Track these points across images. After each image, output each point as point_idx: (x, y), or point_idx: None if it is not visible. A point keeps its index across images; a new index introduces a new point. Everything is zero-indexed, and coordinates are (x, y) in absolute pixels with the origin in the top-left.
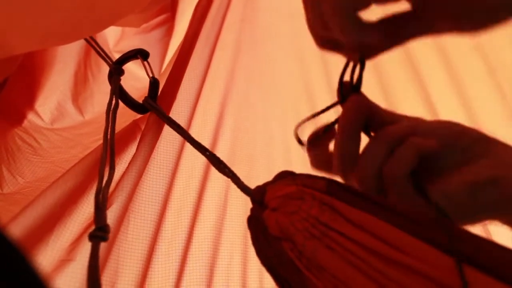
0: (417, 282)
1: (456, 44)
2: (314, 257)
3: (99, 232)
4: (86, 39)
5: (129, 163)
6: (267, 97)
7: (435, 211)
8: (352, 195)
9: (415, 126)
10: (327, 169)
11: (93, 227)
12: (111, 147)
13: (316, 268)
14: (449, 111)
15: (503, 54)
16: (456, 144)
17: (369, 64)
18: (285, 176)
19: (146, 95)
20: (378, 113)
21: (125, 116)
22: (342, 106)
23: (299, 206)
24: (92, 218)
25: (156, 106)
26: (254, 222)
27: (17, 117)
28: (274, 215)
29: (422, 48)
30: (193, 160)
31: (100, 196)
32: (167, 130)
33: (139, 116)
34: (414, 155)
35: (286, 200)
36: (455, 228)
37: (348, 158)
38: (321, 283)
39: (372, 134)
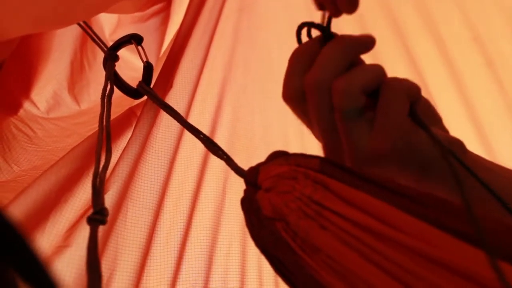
0: (411, 259)
1: (454, 35)
2: (308, 237)
3: (97, 216)
4: (80, 25)
5: (124, 148)
6: (265, 87)
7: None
8: (345, 173)
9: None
10: None
11: (90, 212)
12: (107, 131)
13: (311, 248)
14: (447, 101)
15: (502, 46)
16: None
17: (367, 55)
18: (278, 156)
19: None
20: None
21: (121, 106)
22: None
23: (292, 186)
24: (88, 204)
25: (150, 90)
26: (248, 204)
27: (13, 106)
28: (267, 195)
29: (420, 40)
30: (192, 148)
31: (98, 179)
32: (165, 117)
33: (135, 103)
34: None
35: (279, 180)
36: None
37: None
38: (316, 263)
39: None
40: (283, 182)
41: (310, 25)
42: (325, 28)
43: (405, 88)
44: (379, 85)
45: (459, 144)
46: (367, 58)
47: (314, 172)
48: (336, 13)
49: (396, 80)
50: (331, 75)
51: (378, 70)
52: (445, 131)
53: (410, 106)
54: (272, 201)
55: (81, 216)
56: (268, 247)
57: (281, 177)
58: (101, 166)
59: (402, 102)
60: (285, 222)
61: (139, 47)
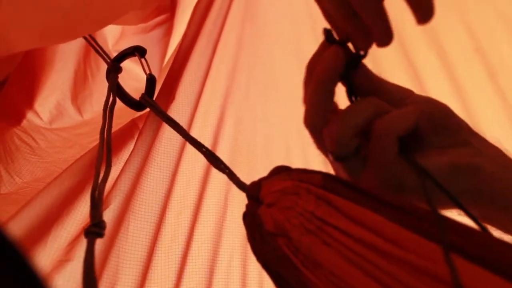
0: (413, 276)
1: (456, 46)
2: (311, 253)
3: (95, 228)
4: (84, 37)
5: (126, 162)
6: (268, 98)
7: (421, 181)
8: (348, 189)
9: (409, 97)
10: None
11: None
12: (107, 144)
13: (313, 264)
14: None
15: (504, 57)
16: (445, 126)
17: (367, 62)
18: (280, 171)
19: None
20: (366, 74)
21: (123, 117)
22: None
23: (294, 201)
24: (89, 218)
25: (153, 102)
26: (249, 218)
27: (17, 117)
28: (270, 210)
29: (422, 51)
30: (194, 161)
31: (96, 192)
32: (167, 130)
33: (137, 115)
34: (415, 118)
35: (281, 195)
36: (446, 218)
37: (320, 109)
38: (318, 279)
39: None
40: (286, 198)
41: (341, 44)
42: (354, 57)
43: (393, 128)
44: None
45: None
46: (368, 65)
47: (317, 187)
48: (367, 46)
49: (385, 120)
50: (352, 134)
51: (370, 109)
52: (472, 136)
53: (403, 142)
54: (274, 217)
55: (82, 230)
56: (270, 263)
57: (284, 193)
58: (100, 178)
59: (390, 144)
60: (287, 237)
61: (143, 59)
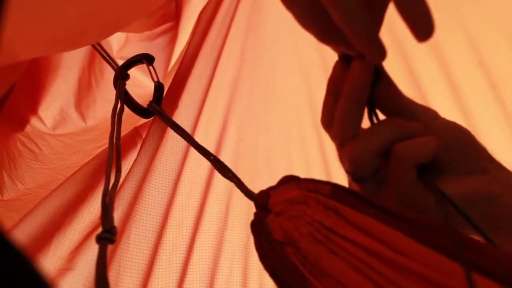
0: (420, 286)
1: (459, 60)
2: (319, 262)
3: (107, 234)
4: (92, 44)
5: (129, 170)
6: (270, 108)
7: (441, 207)
8: (357, 200)
9: (433, 119)
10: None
11: (97, 232)
12: (117, 149)
13: (321, 273)
14: None
15: (506, 71)
16: (465, 154)
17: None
18: (289, 181)
19: (150, 100)
20: (392, 92)
21: (126, 124)
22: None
23: (303, 211)
24: (92, 227)
25: (160, 110)
26: (258, 227)
27: (20, 122)
28: (278, 219)
29: (424, 63)
30: (196, 170)
31: (107, 198)
32: (170, 138)
33: (139, 123)
34: (436, 148)
35: (290, 205)
36: (462, 235)
37: (351, 125)
38: None
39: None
40: (294, 207)
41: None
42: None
43: (412, 156)
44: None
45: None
46: None
47: (325, 197)
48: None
49: (405, 146)
50: (371, 157)
51: (392, 133)
52: (490, 163)
53: (421, 166)
54: (283, 225)
55: (85, 238)
56: (278, 271)
57: (292, 202)
58: (110, 184)
59: (408, 170)
60: (296, 246)
61: (151, 67)
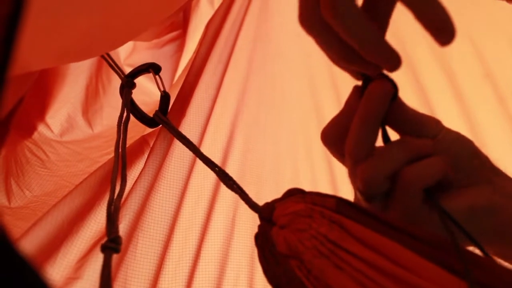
0: None
1: (466, 71)
2: (323, 276)
3: (111, 244)
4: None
5: (136, 180)
6: (277, 118)
7: (445, 226)
8: (362, 214)
9: (440, 130)
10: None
11: (103, 241)
12: (122, 159)
13: (324, 287)
14: None
15: None
16: (469, 164)
17: None
18: (294, 194)
19: (156, 109)
20: (403, 109)
21: (132, 132)
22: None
23: (308, 224)
24: (99, 235)
25: (166, 120)
26: (262, 239)
27: (28, 129)
28: (283, 232)
29: (432, 74)
30: (203, 179)
31: (112, 207)
32: (177, 148)
33: (147, 131)
34: (444, 170)
35: (295, 218)
36: (467, 253)
37: (365, 146)
38: None
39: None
40: (299, 220)
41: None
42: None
43: (421, 179)
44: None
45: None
46: None
47: (331, 211)
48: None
49: (414, 170)
50: (383, 179)
51: (404, 156)
52: (493, 174)
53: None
54: (287, 238)
55: (92, 247)
56: (282, 284)
57: (297, 215)
58: (115, 193)
59: (416, 193)
60: (300, 259)
61: (157, 77)
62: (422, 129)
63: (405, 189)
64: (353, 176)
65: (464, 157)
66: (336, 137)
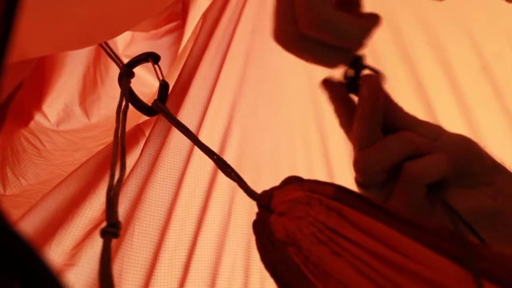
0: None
1: (463, 64)
2: (321, 263)
3: (111, 229)
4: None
5: (133, 168)
6: (274, 109)
7: (450, 216)
8: (360, 201)
9: (441, 134)
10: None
11: (102, 226)
12: (122, 146)
13: (323, 274)
14: (455, 130)
15: (510, 75)
16: (472, 168)
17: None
18: (292, 181)
19: (155, 98)
20: (396, 109)
21: (128, 122)
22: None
23: (306, 211)
24: (94, 223)
25: (165, 108)
26: (260, 227)
27: (25, 118)
28: (281, 219)
29: (429, 68)
30: (200, 169)
31: (112, 192)
32: (174, 137)
33: (141, 120)
34: (447, 167)
35: (293, 205)
36: (470, 242)
37: (366, 142)
38: None
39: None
40: (297, 207)
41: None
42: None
43: (424, 176)
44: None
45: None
46: None
47: (329, 199)
48: None
49: (417, 166)
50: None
51: (401, 151)
52: (497, 174)
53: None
54: (286, 226)
55: (88, 234)
56: (279, 271)
57: (296, 202)
58: (115, 179)
59: (418, 189)
60: (298, 247)
61: (156, 66)
62: (421, 132)
63: (409, 184)
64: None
65: (466, 159)
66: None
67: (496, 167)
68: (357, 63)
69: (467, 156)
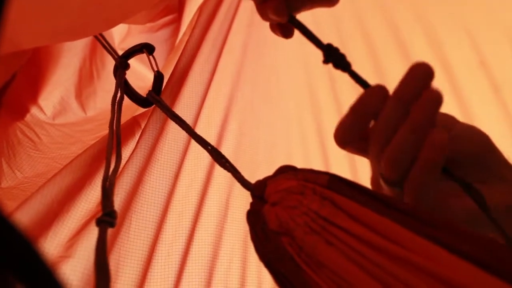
0: (418, 277)
1: (461, 59)
2: (314, 253)
3: (107, 218)
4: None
5: (128, 160)
6: (271, 103)
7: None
8: (353, 190)
9: (453, 124)
10: None
11: (98, 216)
12: (117, 136)
13: (316, 263)
14: None
15: (509, 71)
16: (483, 162)
17: (373, 81)
18: (286, 171)
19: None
20: None
21: (124, 115)
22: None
23: (299, 201)
24: (90, 215)
25: (160, 99)
26: (254, 217)
27: (21, 111)
28: (274, 209)
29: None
30: (196, 162)
31: (107, 183)
32: (171, 130)
33: (137, 113)
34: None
35: (286, 195)
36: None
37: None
38: (321, 279)
39: None
40: (291, 197)
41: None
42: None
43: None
44: None
45: None
46: (373, 78)
47: (322, 188)
48: None
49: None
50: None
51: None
52: (509, 170)
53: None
54: (279, 215)
55: (83, 226)
56: (273, 261)
57: (289, 192)
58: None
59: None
60: (291, 236)
61: (151, 57)
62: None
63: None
64: (377, 162)
65: (480, 152)
66: (355, 136)
67: (506, 163)
68: (330, 52)
69: (482, 147)
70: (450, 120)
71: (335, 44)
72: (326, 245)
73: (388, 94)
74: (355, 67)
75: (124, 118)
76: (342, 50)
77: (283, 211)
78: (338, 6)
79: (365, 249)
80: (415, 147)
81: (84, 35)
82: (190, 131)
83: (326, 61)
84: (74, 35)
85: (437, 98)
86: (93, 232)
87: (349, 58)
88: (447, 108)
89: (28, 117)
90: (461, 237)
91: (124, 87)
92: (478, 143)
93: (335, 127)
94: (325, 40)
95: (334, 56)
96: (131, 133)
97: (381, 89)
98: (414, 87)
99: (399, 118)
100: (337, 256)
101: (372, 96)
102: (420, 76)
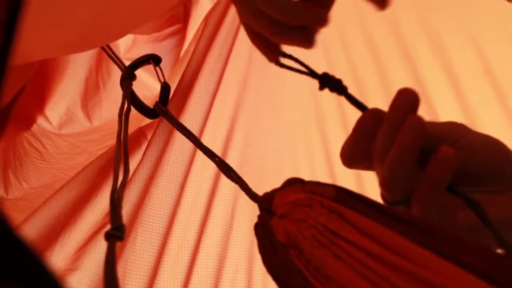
0: None
1: (466, 67)
2: (322, 266)
3: (115, 231)
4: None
5: (135, 171)
6: (277, 113)
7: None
8: (362, 204)
9: (464, 135)
10: None
11: (100, 233)
12: (124, 148)
13: (324, 277)
14: None
15: None
16: (500, 170)
17: (378, 88)
18: (293, 183)
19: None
20: None
21: (130, 125)
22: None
23: (307, 214)
24: (97, 227)
25: (166, 111)
26: (261, 229)
27: (27, 121)
28: (282, 222)
29: (432, 71)
30: (202, 173)
31: (116, 195)
32: (177, 141)
33: (143, 123)
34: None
35: (294, 207)
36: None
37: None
38: None
39: None
40: (299, 210)
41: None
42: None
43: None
44: None
45: None
46: (378, 88)
47: (330, 201)
48: None
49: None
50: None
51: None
52: None
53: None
54: (287, 228)
55: (90, 238)
56: (280, 274)
57: (297, 204)
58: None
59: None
60: (299, 249)
61: (157, 68)
62: (443, 135)
63: (440, 169)
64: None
65: (495, 161)
66: (359, 156)
67: None
68: (325, 80)
69: (497, 156)
70: (460, 129)
71: (337, 49)
72: (334, 259)
73: (383, 115)
74: (358, 73)
75: (131, 128)
76: (345, 55)
77: (291, 224)
78: (340, 11)
79: (373, 263)
80: (406, 170)
81: (93, 46)
82: (197, 142)
83: (321, 88)
84: (83, 47)
85: (418, 125)
86: (100, 245)
87: (352, 63)
88: (452, 116)
89: (34, 128)
90: (474, 253)
91: (130, 98)
92: (493, 152)
93: (340, 148)
94: (329, 45)
95: (331, 83)
96: (138, 144)
97: (376, 112)
98: (403, 112)
99: (393, 140)
100: (345, 269)
101: (369, 119)
102: (405, 102)
